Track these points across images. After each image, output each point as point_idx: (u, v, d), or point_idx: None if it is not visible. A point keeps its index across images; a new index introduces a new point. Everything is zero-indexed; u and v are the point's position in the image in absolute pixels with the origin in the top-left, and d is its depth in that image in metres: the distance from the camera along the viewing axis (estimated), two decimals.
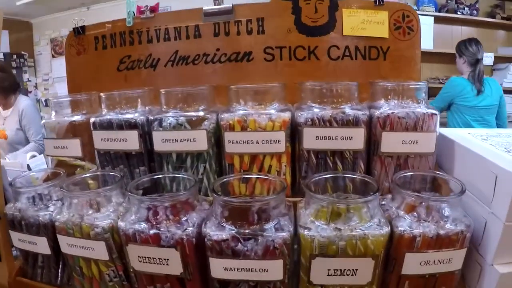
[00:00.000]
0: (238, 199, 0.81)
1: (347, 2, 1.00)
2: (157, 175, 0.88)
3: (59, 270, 0.95)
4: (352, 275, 0.76)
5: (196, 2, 1.12)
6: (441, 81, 3.79)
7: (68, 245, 0.87)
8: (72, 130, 1.01)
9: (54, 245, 0.92)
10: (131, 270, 0.84)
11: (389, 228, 0.75)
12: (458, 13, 4.06)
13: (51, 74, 5.40)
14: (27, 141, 2.60)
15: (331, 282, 0.77)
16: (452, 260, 0.77)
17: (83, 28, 1.18)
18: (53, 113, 1.01)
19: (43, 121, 1.02)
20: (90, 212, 0.85)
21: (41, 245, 0.92)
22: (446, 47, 3.88)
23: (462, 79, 2.93)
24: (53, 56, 5.36)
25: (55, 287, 0.96)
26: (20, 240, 0.94)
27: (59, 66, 5.21)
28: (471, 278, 0.83)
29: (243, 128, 0.86)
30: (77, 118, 0.98)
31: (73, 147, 0.96)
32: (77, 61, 1.21)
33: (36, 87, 5.54)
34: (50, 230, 0.90)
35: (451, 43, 3.89)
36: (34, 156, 1.58)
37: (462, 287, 0.83)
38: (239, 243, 0.76)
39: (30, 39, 5.46)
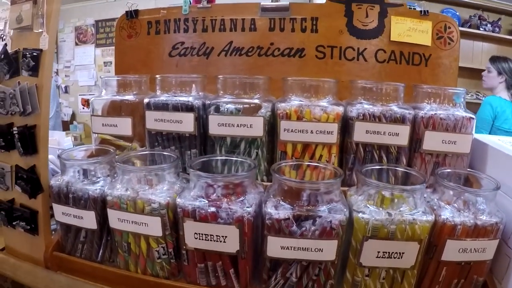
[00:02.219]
0: (300, 180, 0.92)
1: (396, 10, 1.16)
2: (215, 156, 0.99)
3: (102, 246, 1.02)
4: (399, 258, 0.88)
5: None
6: None
7: (119, 220, 0.96)
8: (119, 110, 1.09)
9: (101, 219, 0.99)
10: (184, 247, 0.92)
11: (434, 216, 0.88)
12: (481, 29, 4.39)
13: (73, 61, 5.69)
14: None
15: (378, 264, 0.89)
16: (486, 249, 0.91)
17: (136, 12, 1.28)
18: (103, 91, 1.09)
19: (92, 98, 1.10)
20: (147, 188, 0.94)
21: (88, 219, 1.00)
22: (467, 61, 4.19)
23: (500, 99, 3.07)
24: (76, 44, 5.66)
25: (95, 263, 1.03)
26: (64, 213, 1.02)
27: (82, 54, 5.56)
28: (499, 270, 0.97)
29: (299, 118, 0.99)
30: (129, 97, 1.07)
31: (124, 126, 1.06)
32: (127, 44, 1.32)
33: (57, 73, 5.80)
34: (99, 205, 0.99)
35: (472, 58, 4.22)
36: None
37: (490, 278, 0.96)
38: (296, 223, 0.86)
39: None
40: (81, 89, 5.62)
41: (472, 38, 4.43)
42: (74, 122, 5.62)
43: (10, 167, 1.11)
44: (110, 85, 1.12)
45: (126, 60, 1.34)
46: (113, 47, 1.37)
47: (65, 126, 4.91)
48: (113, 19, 5.06)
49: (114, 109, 1.10)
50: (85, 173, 1.02)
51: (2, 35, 1.28)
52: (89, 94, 5.43)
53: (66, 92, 5.77)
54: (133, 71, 1.23)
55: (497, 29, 4.45)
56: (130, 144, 1.11)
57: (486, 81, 3.23)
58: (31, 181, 1.07)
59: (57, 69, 5.79)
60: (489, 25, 4.40)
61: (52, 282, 1.08)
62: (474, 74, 3.20)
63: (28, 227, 1.09)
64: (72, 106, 5.76)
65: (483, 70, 3.29)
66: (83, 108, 5.57)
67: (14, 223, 1.10)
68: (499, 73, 3.11)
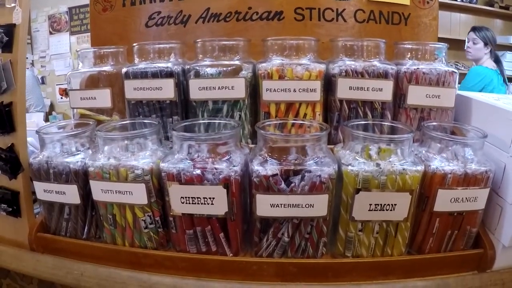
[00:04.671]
0: (286, 134, 0.86)
1: None
2: (198, 120, 0.92)
3: (86, 222, 0.95)
4: (391, 210, 0.83)
5: None
6: None
7: (102, 191, 0.89)
8: (97, 83, 1.02)
9: (84, 194, 0.92)
10: (171, 213, 0.86)
11: (423, 166, 0.83)
12: (458, 0, 4.36)
13: (48, 51, 5.52)
14: None
15: (371, 218, 0.84)
16: (477, 198, 0.87)
17: None
18: (80, 64, 1.03)
19: (68, 73, 1.03)
20: (129, 155, 0.87)
21: (70, 194, 0.93)
22: (445, 32, 4.17)
23: (487, 68, 3.04)
24: (50, 33, 5.46)
25: (81, 240, 0.95)
26: (45, 191, 0.95)
27: (57, 43, 5.37)
28: (491, 220, 0.94)
29: (281, 77, 0.93)
30: (107, 68, 1.00)
31: (103, 98, 1.00)
32: (102, 17, 1.26)
33: (32, 64, 5.58)
34: (81, 178, 0.93)
35: (450, 29, 4.22)
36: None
37: (482, 229, 0.92)
38: (284, 181, 0.80)
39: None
40: (58, 79, 5.38)
41: (450, 10, 4.41)
42: (53, 113, 5.39)
43: None
44: (87, 57, 1.05)
45: (102, 35, 1.27)
46: (89, 34, 1.29)
47: (45, 118, 4.75)
48: (87, 5, 4.82)
49: (92, 82, 1.03)
50: (65, 147, 0.95)
51: None
52: (67, 84, 5.27)
53: (43, 83, 5.53)
54: (109, 45, 1.16)
55: (474, 0, 4.44)
56: (111, 118, 1.04)
57: (472, 53, 3.16)
58: (10, 160, 0.99)
59: (32, 60, 5.58)
60: None
61: (39, 264, 1.00)
62: (453, 44, 3.16)
63: (10, 209, 1.02)
64: (50, 97, 5.52)
65: (462, 41, 3.24)
66: (61, 98, 5.35)
67: None
68: (485, 44, 3.07)
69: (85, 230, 0.98)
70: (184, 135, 0.83)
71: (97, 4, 1.24)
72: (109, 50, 1.05)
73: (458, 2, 4.37)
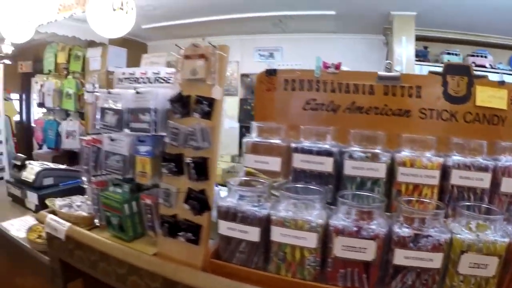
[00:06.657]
0: (421, 210, 1.83)
1: (480, 81, 2.10)
2: (347, 191, 1.88)
3: (256, 255, 1.89)
4: (484, 268, 1.78)
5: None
6: None
7: (281, 234, 1.83)
8: (261, 149, 2.00)
9: (262, 234, 1.87)
10: (332, 256, 1.80)
11: (509, 238, 1.79)
12: None
13: None
14: None
15: (470, 273, 1.79)
16: None
17: (275, 70, 2.19)
18: (254, 135, 2.00)
19: (245, 139, 2.01)
20: (304, 212, 1.83)
21: (252, 234, 1.86)
22: None
23: None
24: None
25: (249, 268, 1.90)
26: (229, 228, 1.88)
27: None
28: None
29: (411, 165, 1.90)
30: (278, 141, 1.97)
31: (273, 163, 1.95)
32: (266, 96, 2.25)
33: None
34: (264, 222, 1.85)
35: None
36: None
37: None
38: (415, 240, 1.76)
39: None
40: None
41: None
42: None
43: (177, 189, 1.98)
44: (257, 130, 2.04)
45: (265, 110, 2.28)
46: None
47: None
48: None
49: (254, 149, 2.01)
50: (247, 197, 1.90)
51: (158, 78, 2.18)
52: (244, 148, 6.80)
53: None
54: (270, 120, 2.13)
55: None
56: (273, 179, 2.00)
57: None
58: (200, 200, 1.93)
59: None
60: None
61: (212, 282, 1.93)
62: None
63: (193, 238, 1.95)
64: None
65: None
66: None
67: (179, 233, 1.97)
68: None
69: (254, 261, 1.91)
70: (352, 204, 1.78)
71: (262, 84, 2.23)
72: (274, 126, 2.04)
73: None
